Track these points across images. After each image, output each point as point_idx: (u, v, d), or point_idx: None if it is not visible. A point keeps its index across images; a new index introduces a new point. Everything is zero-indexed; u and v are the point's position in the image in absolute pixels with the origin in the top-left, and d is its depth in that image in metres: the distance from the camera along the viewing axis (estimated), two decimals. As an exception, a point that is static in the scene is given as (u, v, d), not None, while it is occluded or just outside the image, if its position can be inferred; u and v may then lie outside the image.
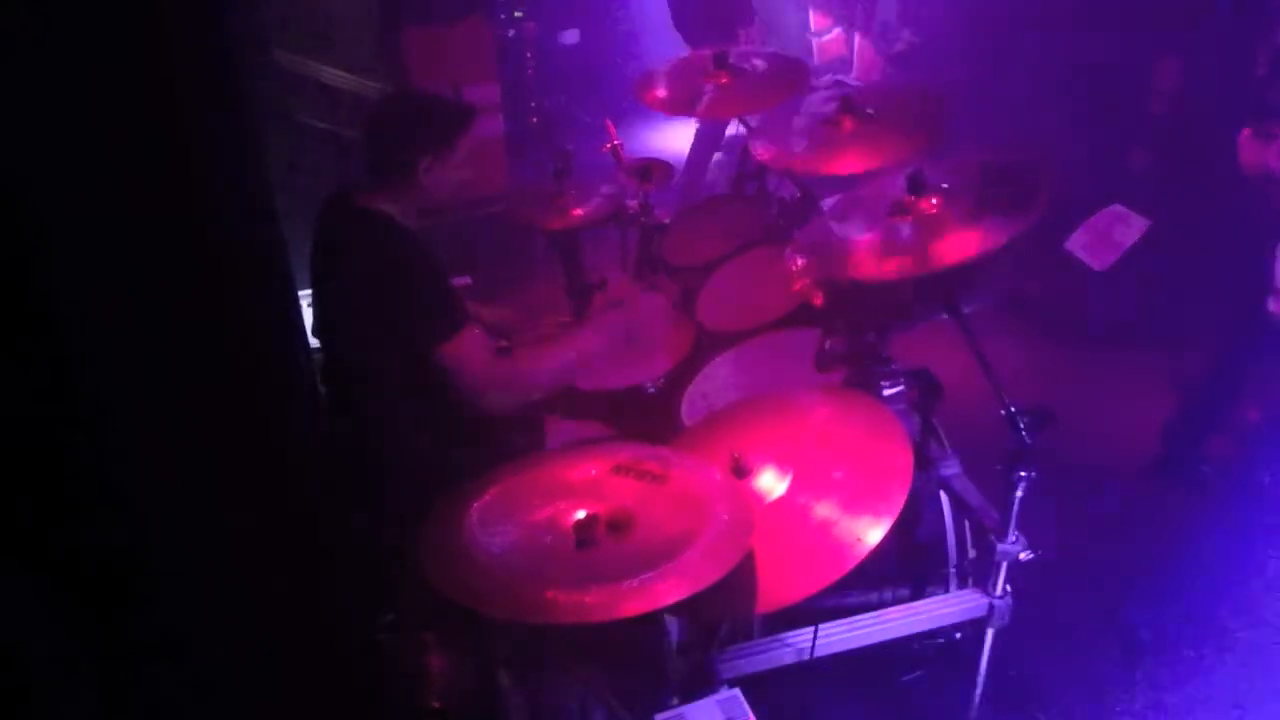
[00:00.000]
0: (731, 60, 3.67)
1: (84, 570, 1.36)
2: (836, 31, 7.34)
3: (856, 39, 6.89)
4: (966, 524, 2.84)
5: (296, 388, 1.57)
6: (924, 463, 2.73)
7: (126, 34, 1.20)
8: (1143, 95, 5.12)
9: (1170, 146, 5.00)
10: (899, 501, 2.19)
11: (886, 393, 2.83)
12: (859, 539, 2.13)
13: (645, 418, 3.16)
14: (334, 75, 5.58)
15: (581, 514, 2.03)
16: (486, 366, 2.89)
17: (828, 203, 2.91)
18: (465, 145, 2.97)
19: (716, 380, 3.18)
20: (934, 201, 2.63)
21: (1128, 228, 5.04)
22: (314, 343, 3.10)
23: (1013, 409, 2.38)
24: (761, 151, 3.23)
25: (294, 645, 1.58)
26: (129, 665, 1.44)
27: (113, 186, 1.23)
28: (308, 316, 3.09)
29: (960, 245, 2.49)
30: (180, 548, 1.41)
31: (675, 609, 1.81)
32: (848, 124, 3.13)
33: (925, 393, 2.64)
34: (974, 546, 2.88)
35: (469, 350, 2.85)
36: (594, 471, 2.20)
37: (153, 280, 1.30)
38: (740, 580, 2.02)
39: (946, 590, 2.79)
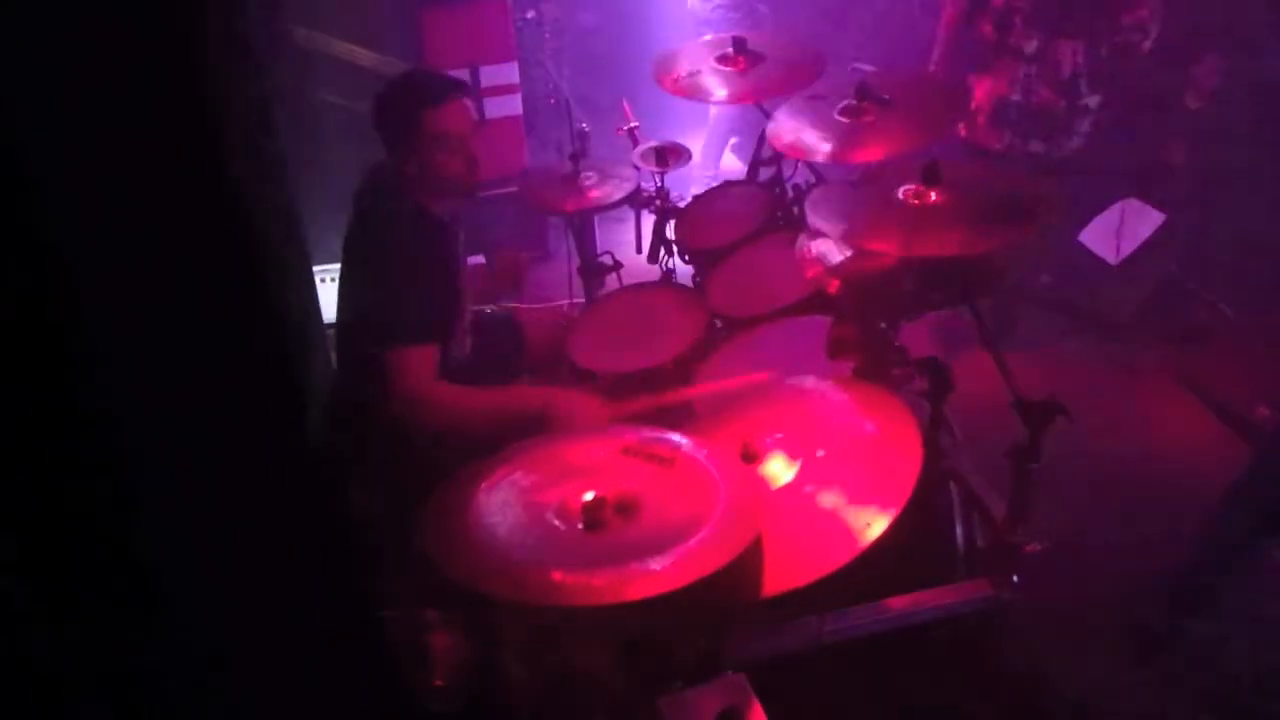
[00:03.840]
0: (749, 46, 3.66)
1: (79, 549, 1.37)
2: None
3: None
4: (975, 515, 2.83)
5: (309, 369, 1.57)
6: (933, 452, 2.73)
7: (146, 11, 1.20)
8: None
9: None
10: (907, 491, 2.19)
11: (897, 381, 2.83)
12: (866, 526, 2.13)
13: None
14: (351, 52, 5.57)
15: (589, 496, 2.03)
16: (424, 387, 2.89)
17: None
18: (438, 125, 2.95)
19: (728, 365, 3.17)
20: (941, 195, 2.61)
21: (1142, 221, 5.04)
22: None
23: (1023, 400, 2.37)
24: (777, 137, 3.22)
25: (297, 622, 1.59)
26: (135, 644, 1.45)
27: (127, 170, 1.24)
28: (331, 290, 3.12)
29: (948, 241, 2.50)
30: (185, 522, 1.42)
31: (682, 593, 1.81)
32: (865, 111, 3.12)
33: (935, 382, 2.63)
34: (982, 537, 2.88)
35: (416, 367, 2.87)
36: (602, 453, 2.21)
37: (165, 262, 1.30)
38: (747, 566, 2.03)
39: (954, 581, 2.79)
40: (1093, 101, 4.49)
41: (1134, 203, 5.10)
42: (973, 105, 4.62)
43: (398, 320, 2.86)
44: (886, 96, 3.11)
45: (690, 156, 3.99)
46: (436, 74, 3.18)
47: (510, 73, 5.80)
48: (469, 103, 3.04)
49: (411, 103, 2.93)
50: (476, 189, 3.11)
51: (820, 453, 2.34)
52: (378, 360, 2.87)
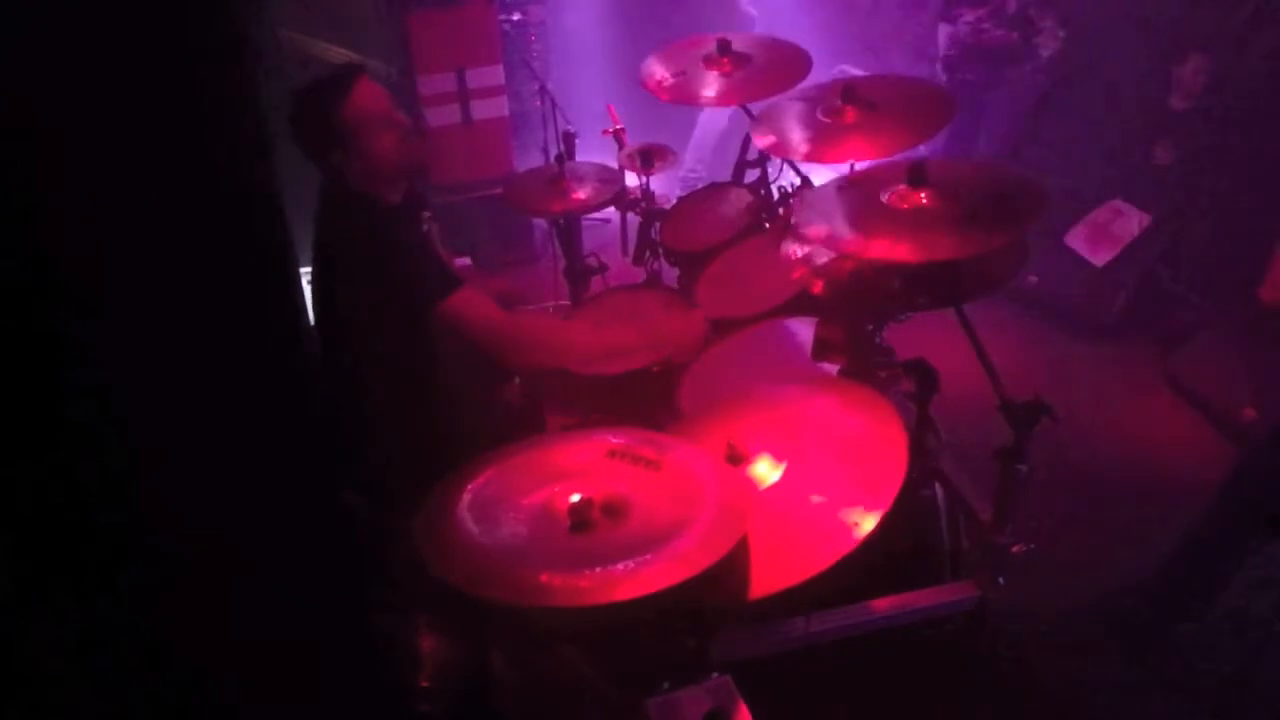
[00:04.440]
0: (735, 48, 3.66)
1: (77, 548, 1.37)
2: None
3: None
4: (961, 516, 2.84)
5: (298, 373, 1.57)
6: (920, 453, 2.73)
7: (139, 14, 1.20)
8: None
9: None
10: (893, 491, 2.19)
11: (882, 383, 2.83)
12: (853, 526, 2.13)
13: (643, 403, 3.16)
14: (339, 55, 5.57)
15: (576, 498, 2.03)
16: (496, 317, 2.85)
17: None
18: (355, 113, 2.88)
19: (714, 367, 3.17)
20: (926, 196, 2.61)
21: (1127, 222, 5.07)
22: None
23: (1009, 401, 2.38)
24: (762, 139, 3.22)
25: (289, 621, 1.58)
26: (129, 642, 1.45)
27: (126, 170, 1.24)
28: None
29: (936, 245, 2.49)
30: (175, 522, 1.41)
31: (669, 594, 1.81)
32: (850, 113, 3.12)
33: (922, 383, 2.64)
34: (967, 538, 2.88)
35: (469, 305, 2.80)
36: (589, 456, 2.21)
37: (163, 261, 1.30)
38: (734, 566, 2.03)
39: (940, 581, 2.79)
40: (1045, 22, 4.93)
41: (1119, 204, 5.12)
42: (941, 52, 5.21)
43: (419, 287, 2.81)
44: (873, 101, 3.12)
45: (675, 159, 3.99)
46: (326, 72, 3.15)
47: (496, 75, 5.81)
48: (369, 80, 3.01)
49: (322, 109, 2.88)
50: (423, 160, 3.06)
51: (832, 462, 2.34)
52: (372, 361, 2.86)
